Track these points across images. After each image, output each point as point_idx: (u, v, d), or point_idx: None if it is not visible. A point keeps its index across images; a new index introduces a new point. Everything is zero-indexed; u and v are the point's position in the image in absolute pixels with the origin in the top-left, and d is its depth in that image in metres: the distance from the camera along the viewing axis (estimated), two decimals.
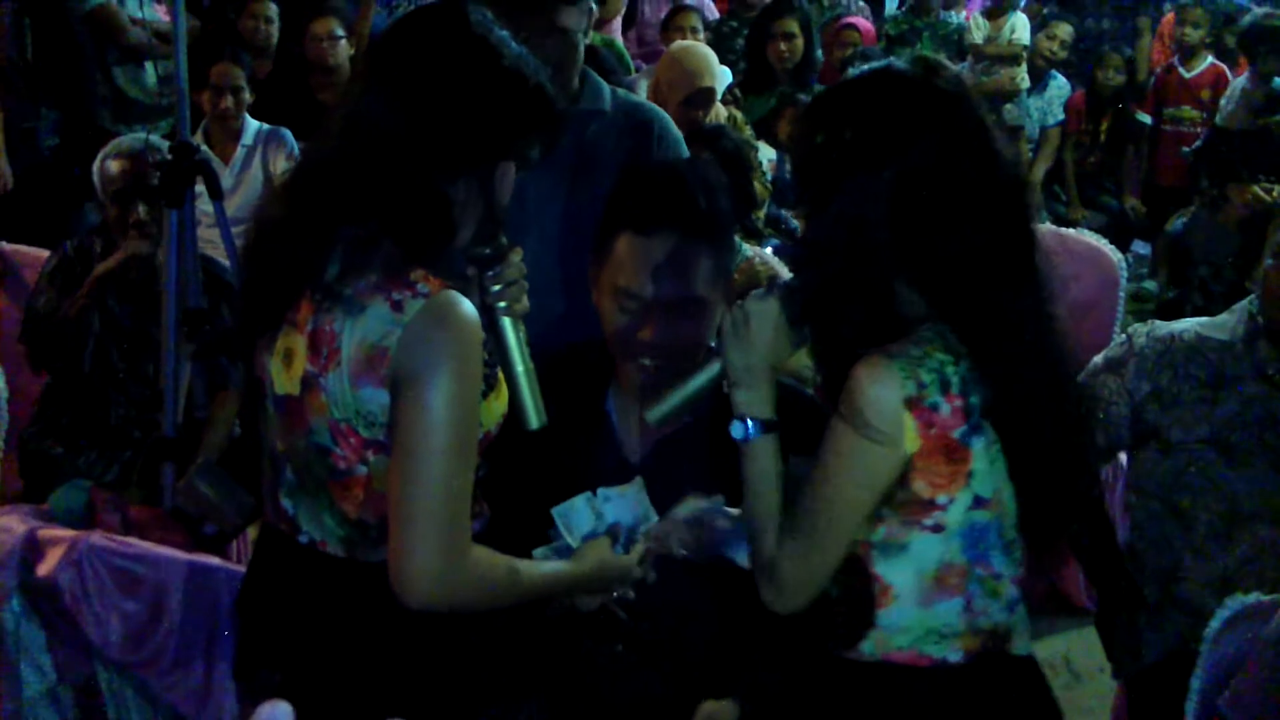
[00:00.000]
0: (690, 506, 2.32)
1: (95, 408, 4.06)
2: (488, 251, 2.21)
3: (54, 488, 3.65)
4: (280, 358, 2.11)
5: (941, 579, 2.06)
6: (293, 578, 2.20)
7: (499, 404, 2.15)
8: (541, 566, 2.24)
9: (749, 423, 2.12)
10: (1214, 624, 2.66)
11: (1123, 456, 3.28)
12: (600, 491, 2.33)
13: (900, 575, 2.06)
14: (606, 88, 3.09)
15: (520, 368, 2.25)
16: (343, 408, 2.04)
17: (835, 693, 2.19)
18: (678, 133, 3.20)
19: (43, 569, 3.19)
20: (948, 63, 2.12)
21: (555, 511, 2.31)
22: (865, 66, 2.16)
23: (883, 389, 1.98)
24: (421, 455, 2.00)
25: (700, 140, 4.60)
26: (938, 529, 2.03)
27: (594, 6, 2.98)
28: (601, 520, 2.31)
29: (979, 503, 2.03)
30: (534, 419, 2.27)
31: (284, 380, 2.10)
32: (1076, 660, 4.00)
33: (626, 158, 3.06)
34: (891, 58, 2.13)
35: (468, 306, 2.03)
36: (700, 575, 2.35)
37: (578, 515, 2.31)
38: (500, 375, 2.17)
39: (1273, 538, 2.87)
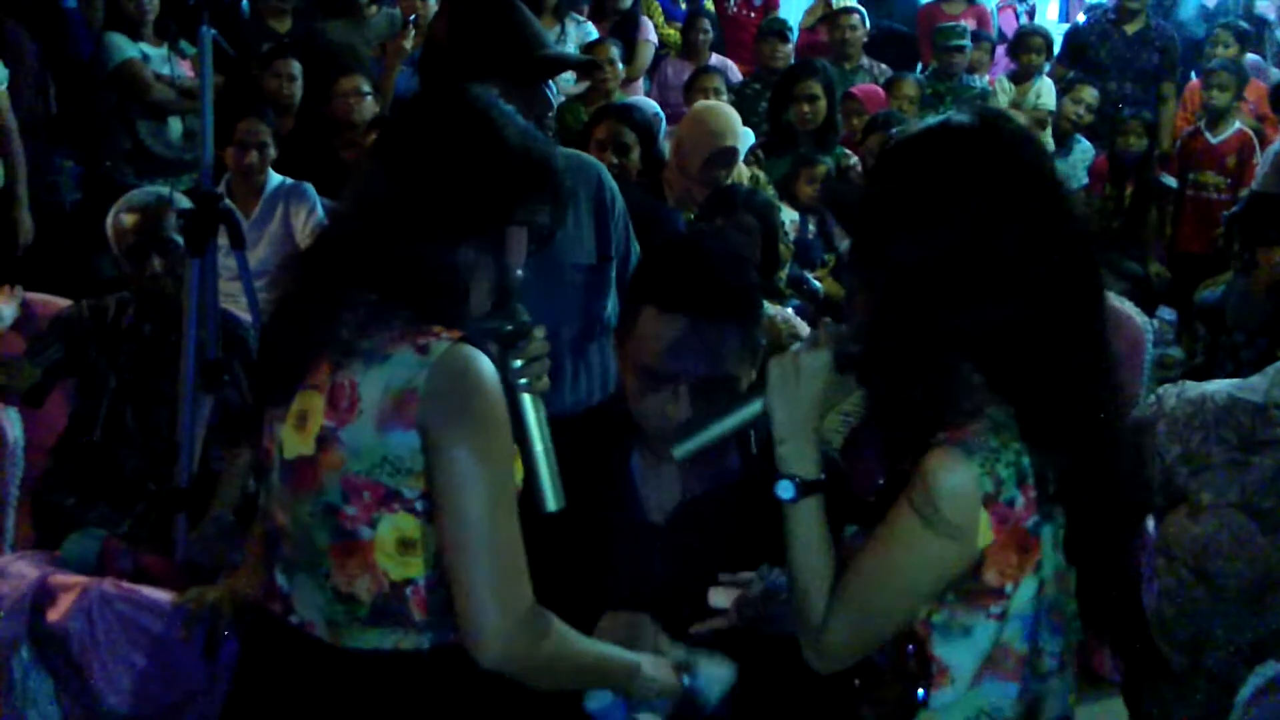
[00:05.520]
0: (764, 578, 2.26)
1: (108, 460, 4.03)
2: (510, 328, 2.19)
3: (65, 539, 3.63)
4: (293, 421, 2.09)
5: (996, 660, 2.00)
6: (280, 661, 2.16)
7: (517, 472, 2.13)
8: (597, 645, 2.19)
9: (798, 483, 2.05)
10: (1245, 692, 2.61)
11: (1149, 521, 3.22)
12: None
13: (959, 658, 2.00)
14: None
15: (540, 447, 2.20)
16: (363, 459, 2.02)
17: None
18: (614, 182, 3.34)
19: (53, 615, 3.16)
20: (1012, 114, 2.06)
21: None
22: (927, 121, 2.05)
23: (961, 485, 1.90)
24: (470, 517, 2.00)
25: (730, 205, 4.57)
26: (1001, 615, 1.98)
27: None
28: None
29: (1043, 586, 1.98)
30: (552, 501, 2.21)
31: (296, 442, 2.09)
32: None
33: (584, 205, 3.18)
34: (951, 111, 2.04)
35: (487, 361, 2.04)
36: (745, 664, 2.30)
37: None
38: (515, 449, 2.14)
39: None
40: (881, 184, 2.02)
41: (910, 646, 2.02)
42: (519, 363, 2.20)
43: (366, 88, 6.24)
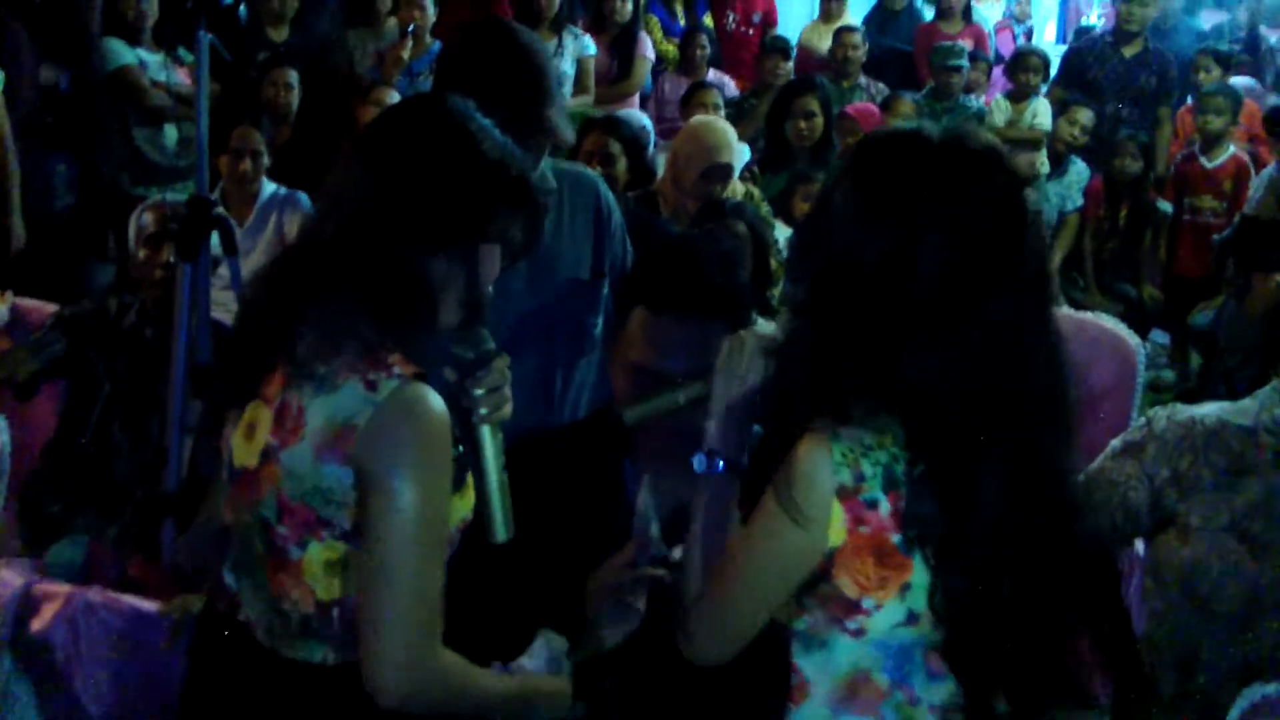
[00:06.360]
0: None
1: (97, 466, 4.02)
2: (471, 356, 2.17)
3: (52, 544, 3.62)
4: (244, 429, 2.10)
5: (854, 686, 1.97)
6: (228, 657, 2.17)
7: (463, 505, 2.13)
8: (500, 680, 2.18)
9: (713, 458, 2.04)
10: (1233, 714, 2.60)
11: (1139, 543, 3.21)
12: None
13: (819, 673, 1.98)
14: (546, 164, 3.14)
15: (494, 479, 2.18)
16: (298, 483, 2.02)
17: None
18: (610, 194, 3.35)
19: (36, 624, 3.15)
20: (983, 133, 2.00)
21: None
22: (896, 125, 2.04)
23: (816, 472, 1.86)
24: (390, 552, 1.98)
25: (719, 215, 4.59)
26: (859, 633, 1.94)
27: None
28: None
29: (913, 619, 1.93)
30: (501, 532, 2.20)
31: (243, 452, 2.09)
32: None
33: (581, 221, 3.19)
34: (923, 121, 2.03)
35: (438, 401, 2.02)
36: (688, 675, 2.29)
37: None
38: (468, 478, 2.14)
39: None
40: (836, 181, 1.98)
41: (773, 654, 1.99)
42: (479, 392, 2.17)
43: None
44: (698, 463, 2.05)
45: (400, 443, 1.98)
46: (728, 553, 1.99)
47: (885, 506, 1.86)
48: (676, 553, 2.34)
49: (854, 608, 1.91)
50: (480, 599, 2.30)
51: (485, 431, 2.18)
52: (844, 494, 1.86)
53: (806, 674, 1.98)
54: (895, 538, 1.87)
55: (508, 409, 2.22)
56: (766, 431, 2.10)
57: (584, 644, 2.31)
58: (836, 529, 1.87)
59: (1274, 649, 2.80)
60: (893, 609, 1.91)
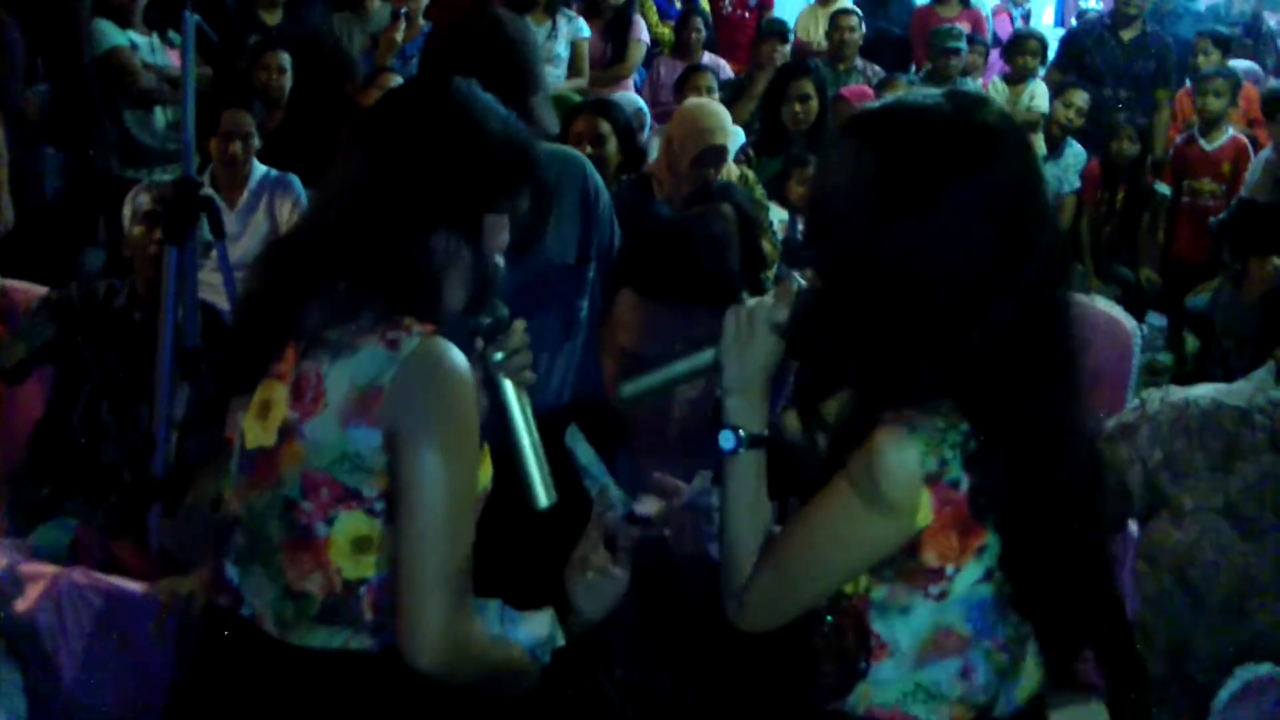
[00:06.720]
0: (696, 490, 2.24)
1: (85, 450, 4.00)
2: (489, 322, 2.16)
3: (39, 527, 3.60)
4: (256, 410, 2.05)
5: (939, 642, 1.97)
6: (228, 653, 2.11)
7: (482, 476, 2.09)
8: (503, 648, 2.15)
9: (739, 434, 2.03)
10: (1223, 695, 2.59)
11: (1133, 526, 3.20)
12: (506, 611, 2.23)
13: (898, 634, 1.98)
14: None
15: (527, 440, 2.15)
16: (324, 454, 1.98)
17: None
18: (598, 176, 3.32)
19: (21, 605, 3.13)
20: (994, 102, 1.97)
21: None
22: (908, 94, 1.98)
23: (903, 464, 1.86)
24: (424, 511, 1.96)
25: (708, 198, 4.56)
26: (942, 596, 1.95)
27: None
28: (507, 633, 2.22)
29: (989, 575, 1.94)
30: (543, 496, 2.17)
31: (258, 432, 2.04)
32: None
33: (569, 204, 3.14)
34: (926, 91, 1.96)
35: (461, 356, 2.00)
36: (692, 647, 2.27)
37: (489, 616, 2.21)
38: (486, 445, 2.10)
39: None
40: (841, 156, 1.94)
41: (849, 621, 1.99)
42: (500, 356, 2.16)
43: None
44: (725, 440, 2.04)
45: (428, 400, 1.96)
46: (793, 535, 1.99)
47: (965, 483, 1.88)
48: (640, 507, 2.32)
49: (936, 575, 1.93)
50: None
51: (511, 395, 2.16)
52: (931, 480, 1.87)
53: (886, 636, 1.99)
54: (971, 508, 1.89)
55: (530, 373, 2.21)
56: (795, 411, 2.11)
57: (570, 623, 2.29)
58: (925, 513, 1.88)
59: (1266, 634, 2.79)
60: (971, 569, 1.93)
